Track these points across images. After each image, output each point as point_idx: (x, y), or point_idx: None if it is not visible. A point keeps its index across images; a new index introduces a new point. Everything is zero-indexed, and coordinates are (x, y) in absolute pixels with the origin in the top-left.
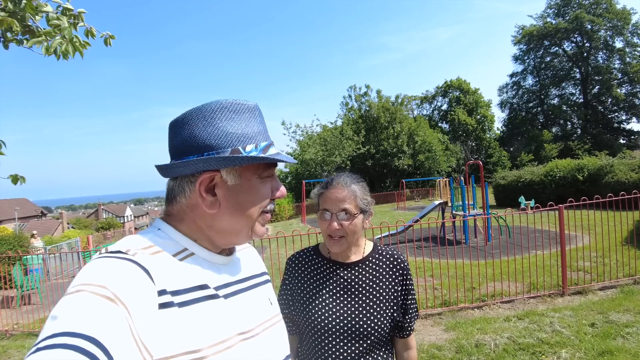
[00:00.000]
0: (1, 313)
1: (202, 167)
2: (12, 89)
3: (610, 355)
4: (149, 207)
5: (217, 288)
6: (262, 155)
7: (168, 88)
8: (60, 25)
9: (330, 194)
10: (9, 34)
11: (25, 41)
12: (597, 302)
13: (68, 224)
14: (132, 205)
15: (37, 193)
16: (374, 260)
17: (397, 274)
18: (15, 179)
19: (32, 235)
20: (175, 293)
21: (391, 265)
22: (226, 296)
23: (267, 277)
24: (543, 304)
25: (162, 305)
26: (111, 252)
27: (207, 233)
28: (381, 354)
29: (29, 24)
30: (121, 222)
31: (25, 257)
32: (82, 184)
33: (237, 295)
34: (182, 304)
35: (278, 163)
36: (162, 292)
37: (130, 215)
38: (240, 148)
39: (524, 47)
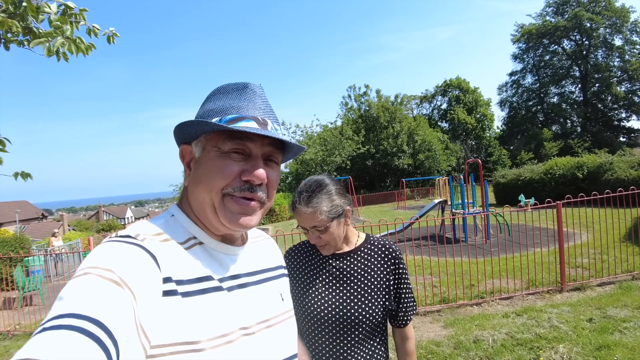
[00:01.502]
0: (3, 314)
1: (177, 141)
2: (12, 90)
3: (607, 349)
4: (150, 209)
5: (222, 280)
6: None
7: (168, 89)
8: (62, 27)
9: (297, 216)
10: (9, 35)
11: (26, 42)
12: (595, 298)
13: (69, 226)
14: (132, 207)
15: (37, 195)
16: (365, 250)
17: (389, 262)
18: (22, 175)
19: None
20: (179, 282)
21: (382, 255)
22: (230, 289)
23: (282, 271)
24: (541, 300)
25: (166, 293)
26: (120, 236)
27: (197, 215)
28: (374, 343)
29: (30, 25)
30: (122, 223)
31: (26, 258)
32: (83, 186)
33: (245, 288)
34: (185, 294)
35: (256, 140)
36: (167, 280)
37: (131, 216)
38: (206, 121)
39: (524, 45)
